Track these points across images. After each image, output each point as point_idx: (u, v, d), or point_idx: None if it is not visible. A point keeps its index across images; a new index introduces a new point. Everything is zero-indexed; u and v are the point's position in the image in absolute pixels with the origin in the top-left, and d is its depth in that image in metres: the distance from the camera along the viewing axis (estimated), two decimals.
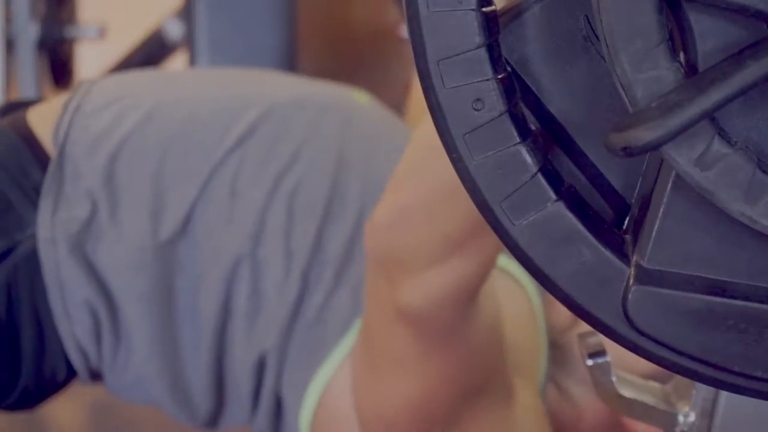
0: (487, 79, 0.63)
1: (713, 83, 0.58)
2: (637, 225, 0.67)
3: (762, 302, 0.64)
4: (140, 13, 2.82)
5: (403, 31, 2.40)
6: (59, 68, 2.75)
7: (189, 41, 2.28)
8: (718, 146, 0.60)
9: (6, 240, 1.35)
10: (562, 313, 1.38)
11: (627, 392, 0.97)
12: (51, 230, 1.35)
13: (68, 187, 1.37)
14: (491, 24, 0.63)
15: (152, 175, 1.37)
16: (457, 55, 0.63)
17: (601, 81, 0.67)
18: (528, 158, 0.64)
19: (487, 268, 1.12)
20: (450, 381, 1.19)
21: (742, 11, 0.59)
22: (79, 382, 1.43)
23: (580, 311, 0.66)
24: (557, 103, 0.68)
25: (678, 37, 0.61)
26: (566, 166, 0.68)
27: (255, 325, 1.35)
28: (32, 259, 1.35)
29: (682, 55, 0.62)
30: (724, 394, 0.91)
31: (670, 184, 0.64)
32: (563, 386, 1.40)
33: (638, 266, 0.65)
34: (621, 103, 0.61)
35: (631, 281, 0.64)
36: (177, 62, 2.69)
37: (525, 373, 1.31)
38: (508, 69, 0.65)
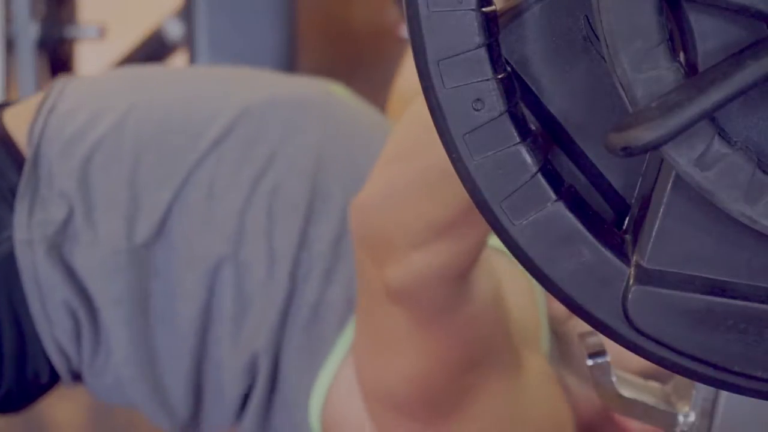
0: (487, 79, 0.63)
1: (713, 83, 0.58)
2: (637, 225, 0.67)
3: (762, 302, 0.64)
4: (140, 13, 2.82)
5: (403, 31, 2.40)
6: (59, 68, 2.75)
7: (189, 41, 2.29)
8: (718, 146, 0.60)
9: None
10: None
11: (627, 392, 0.97)
12: (28, 232, 1.34)
13: (43, 188, 1.36)
14: (491, 24, 0.63)
15: (127, 178, 1.37)
16: (457, 55, 0.63)
17: (601, 81, 0.67)
18: (528, 158, 0.64)
19: (476, 249, 1.11)
20: (447, 356, 1.19)
21: (742, 11, 0.59)
22: (62, 384, 1.43)
23: (580, 311, 0.66)
24: (557, 103, 0.68)
25: (678, 37, 0.61)
26: (566, 166, 0.68)
27: (242, 328, 1.35)
28: (9, 262, 1.35)
29: (682, 55, 0.62)
30: (724, 394, 0.91)
31: (670, 184, 0.64)
32: (559, 376, 1.40)
33: (638, 266, 0.65)
34: (621, 103, 0.61)
35: (631, 281, 0.64)
36: (177, 62, 2.69)
37: (531, 345, 1.31)
38: (508, 69, 0.65)
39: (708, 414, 0.91)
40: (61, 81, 1.47)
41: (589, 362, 0.96)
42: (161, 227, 1.36)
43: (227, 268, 1.35)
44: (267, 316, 1.34)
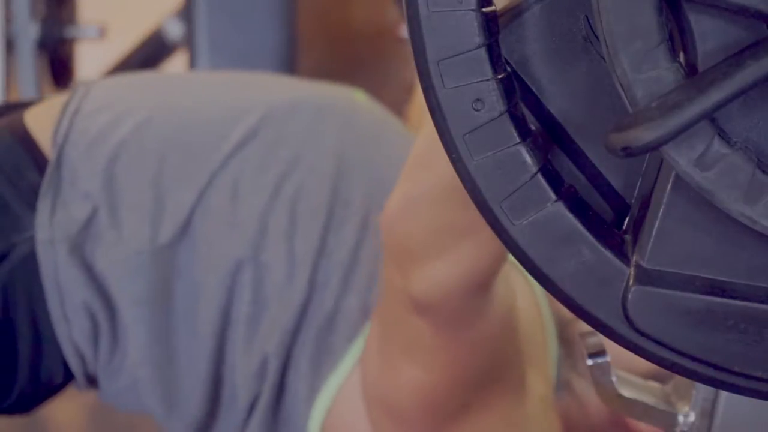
0: (487, 79, 0.63)
1: (713, 83, 0.58)
2: (637, 225, 0.67)
3: (762, 302, 0.64)
4: (140, 13, 2.82)
5: (403, 31, 2.40)
6: (59, 68, 2.75)
7: (189, 41, 2.29)
8: (718, 146, 0.60)
9: (2, 242, 1.34)
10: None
11: (627, 392, 0.97)
12: (50, 232, 1.34)
13: (66, 188, 1.36)
14: (491, 24, 0.63)
15: (151, 179, 1.37)
16: (457, 55, 0.63)
17: (601, 81, 0.67)
18: (528, 158, 0.64)
19: (497, 259, 1.12)
20: (460, 370, 1.19)
21: (742, 11, 0.59)
22: (76, 387, 1.42)
23: (580, 311, 0.66)
24: (557, 103, 0.68)
25: (678, 38, 0.61)
26: (566, 166, 0.68)
27: (257, 331, 1.35)
28: (30, 262, 1.35)
29: (682, 56, 0.62)
30: (724, 394, 0.91)
31: (670, 184, 0.64)
32: (566, 380, 1.40)
33: (638, 266, 0.65)
34: (621, 103, 0.61)
35: (631, 281, 0.64)
36: (177, 62, 2.69)
37: (537, 364, 1.31)
38: (508, 69, 0.65)
39: (708, 414, 0.91)
40: (86, 83, 1.48)
41: (589, 362, 0.96)
42: (185, 228, 1.36)
43: (247, 270, 1.35)
44: (282, 319, 1.34)
